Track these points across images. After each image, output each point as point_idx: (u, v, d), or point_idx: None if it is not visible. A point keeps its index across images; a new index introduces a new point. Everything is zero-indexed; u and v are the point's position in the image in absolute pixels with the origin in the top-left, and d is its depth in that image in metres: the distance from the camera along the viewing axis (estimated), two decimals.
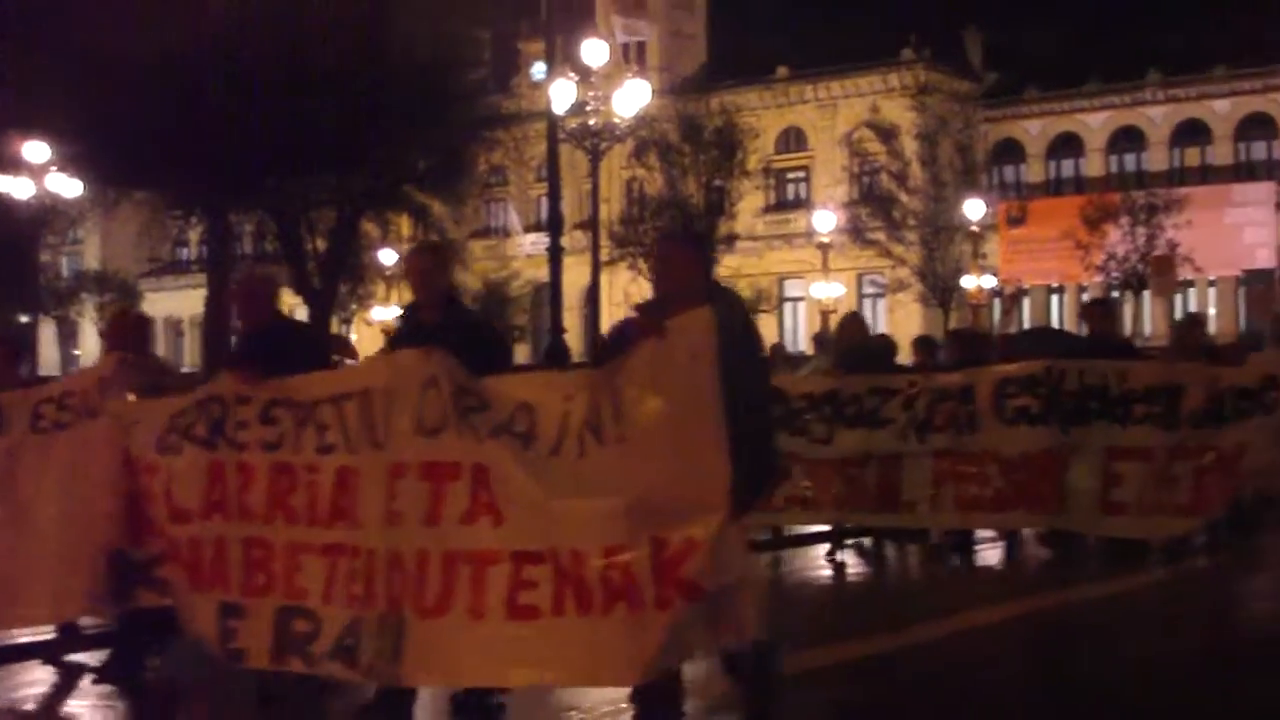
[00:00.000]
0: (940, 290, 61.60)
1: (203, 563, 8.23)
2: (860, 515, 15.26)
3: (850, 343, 16.66)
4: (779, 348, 27.69)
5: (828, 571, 15.95)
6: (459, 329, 8.14)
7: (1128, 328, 59.82)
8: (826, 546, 16.62)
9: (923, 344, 18.51)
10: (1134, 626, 12.69)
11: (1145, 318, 63.33)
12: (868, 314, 70.77)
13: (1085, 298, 63.55)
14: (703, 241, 7.06)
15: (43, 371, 75.94)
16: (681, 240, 7.71)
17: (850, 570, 16.07)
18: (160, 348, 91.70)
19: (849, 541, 16.59)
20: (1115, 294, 62.59)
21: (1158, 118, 70.92)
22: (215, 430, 8.28)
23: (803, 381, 15.64)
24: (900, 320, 62.25)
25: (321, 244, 30.30)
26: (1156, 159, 71.01)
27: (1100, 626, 12.59)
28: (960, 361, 16.22)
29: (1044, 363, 14.36)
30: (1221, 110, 69.70)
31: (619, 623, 6.80)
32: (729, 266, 61.87)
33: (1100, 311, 17.30)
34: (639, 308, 8.00)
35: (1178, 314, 65.78)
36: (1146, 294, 61.17)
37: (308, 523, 7.82)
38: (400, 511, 7.35)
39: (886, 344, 17.74)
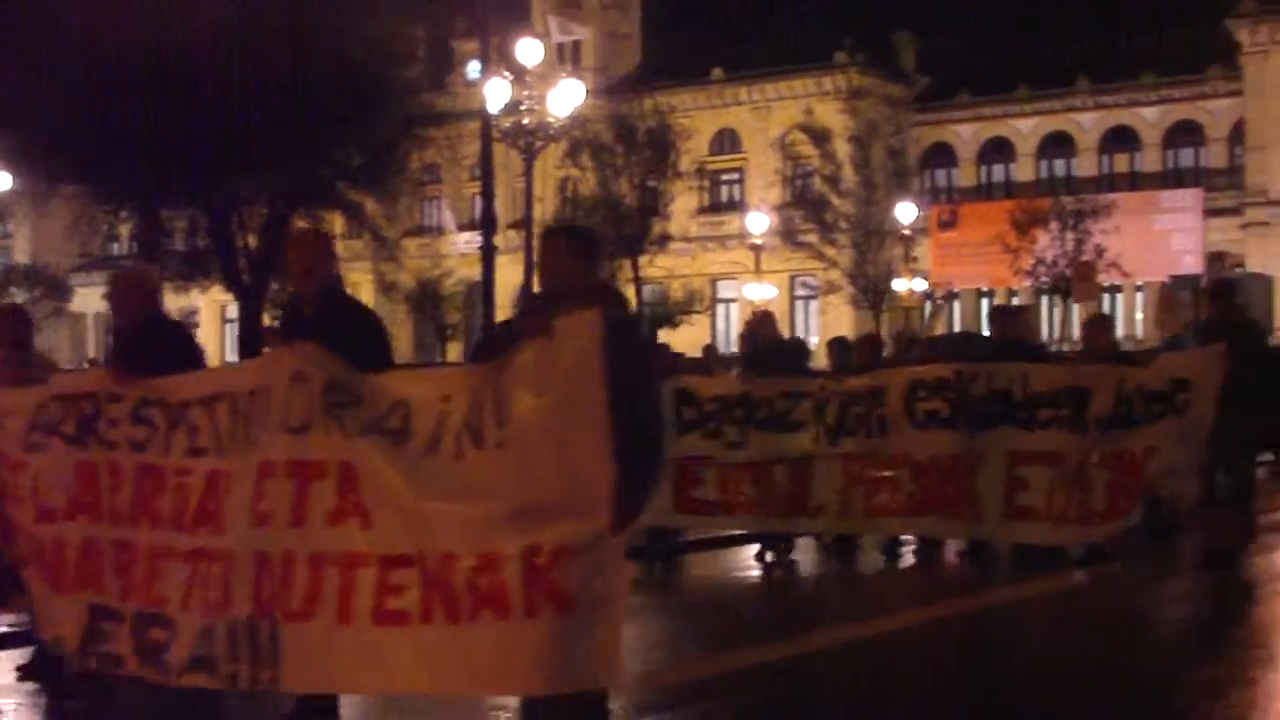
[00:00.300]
0: (872, 293, 61.97)
1: (68, 564, 7.88)
2: (770, 520, 15.11)
3: (762, 343, 16.62)
4: (711, 349, 27.80)
5: (756, 572, 15.85)
6: (338, 320, 7.92)
7: (1055, 333, 60.39)
8: (757, 547, 16.53)
9: (836, 346, 18.38)
10: (1046, 632, 12.61)
11: (1074, 323, 63.86)
12: (799, 316, 71.25)
13: (1015, 301, 64.14)
14: (592, 237, 6.78)
15: None
16: (570, 237, 7.33)
17: (777, 572, 15.97)
18: (90, 343, 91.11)
19: (780, 543, 16.41)
20: (1044, 298, 63.22)
21: (1087, 124, 71.61)
22: (86, 428, 7.94)
23: (715, 384, 15.57)
24: (832, 322, 62.58)
25: (254, 240, 30.19)
26: (1086, 165, 71.73)
27: (1012, 632, 12.56)
28: (870, 365, 16.18)
29: (953, 366, 14.38)
30: (1150, 117, 70.45)
31: (486, 631, 6.49)
32: (662, 267, 62.06)
33: (1006, 317, 17.47)
34: (524, 307, 7.83)
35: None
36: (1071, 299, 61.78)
37: (173, 527, 7.46)
38: (267, 512, 7.01)
39: (798, 345, 17.92)
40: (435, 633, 6.58)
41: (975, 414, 13.91)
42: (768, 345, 16.60)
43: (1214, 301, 15.40)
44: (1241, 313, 16.49)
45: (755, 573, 15.91)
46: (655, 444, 6.86)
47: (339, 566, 6.81)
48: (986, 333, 22.12)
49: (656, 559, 16.09)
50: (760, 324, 17.50)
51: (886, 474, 14.22)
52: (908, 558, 16.57)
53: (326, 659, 6.85)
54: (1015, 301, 65.21)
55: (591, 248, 7.41)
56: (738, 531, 16.67)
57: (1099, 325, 17.08)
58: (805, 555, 16.74)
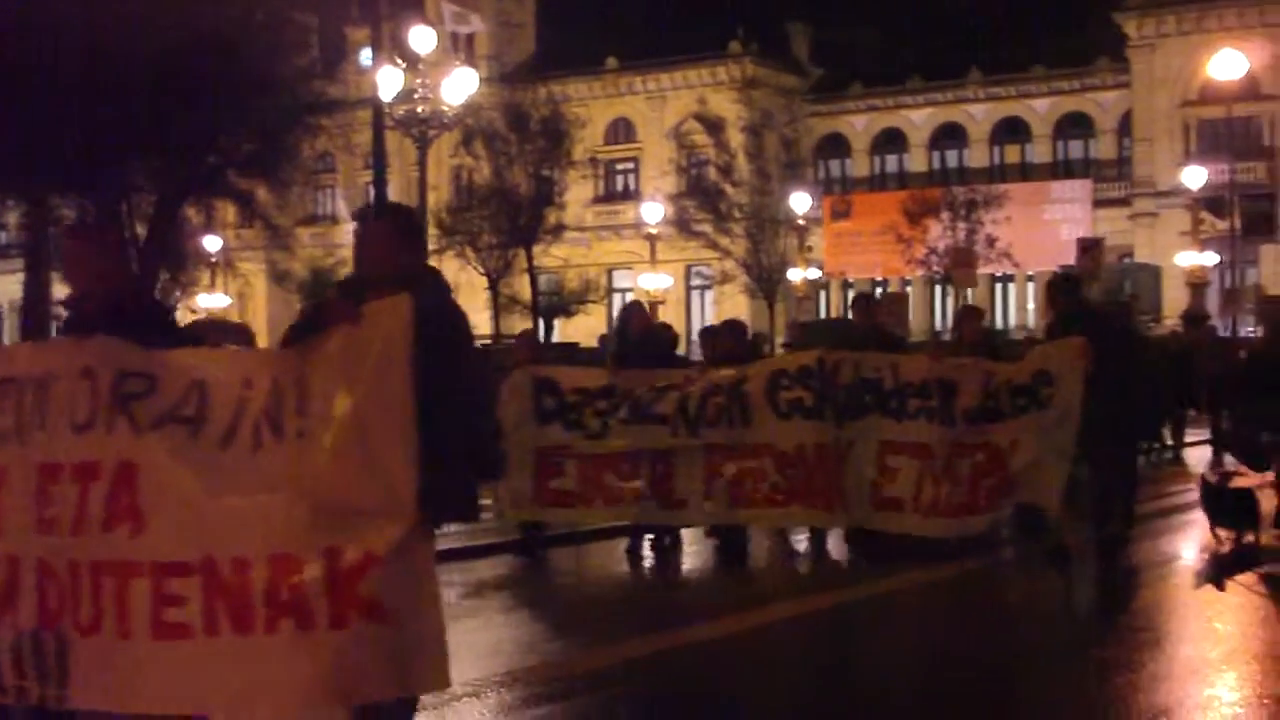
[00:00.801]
0: (766, 282, 62.19)
1: None
2: (633, 513, 14.89)
3: (632, 335, 16.39)
4: (607, 339, 27.83)
5: (624, 567, 15.42)
6: (128, 317, 6.90)
7: (950, 322, 60.90)
8: (643, 539, 15.96)
9: (705, 335, 17.98)
10: (925, 621, 12.35)
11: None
12: (695, 305, 71.41)
13: (908, 291, 64.70)
14: (411, 219, 6.34)
15: None
16: (386, 218, 7.01)
17: (647, 565, 15.56)
18: None
19: (649, 536, 15.92)
20: (937, 287, 63.76)
21: (979, 115, 72.36)
22: None
23: (578, 375, 15.36)
24: (728, 312, 62.28)
25: (143, 230, 29.86)
26: (977, 155, 72.51)
27: (891, 622, 12.41)
28: (735, 351, 16.01)
29: (816, 354, 14.22)
30: (1040, 109, 71.33)
31: (286, 644, 5.86)
32: (557, 256, 62.02)
33: (862, 305, 17.46)
34: (335, 289, 7.44)
35: (997, 309, 67.20)
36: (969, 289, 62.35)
37: None
38: (53, 518, 6.28)
39: (670, 334, 17.47)
40: (225, 647, 5.93)
41: (844, 402, 13.84)
42: (638, 336, 16.29)
43: (1061, 296, 15.14)
44: (1088, 304, 16.57)
45: (627, 567, 15.43)
46: (477, 440, 6.52)
47: (115, 577, 6.16)
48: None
49: (527, 552, 15.75)
50: (630, 315, 17.20)
51: (750, 464, 14.07)
52: (782, 549, 16.24)
53: (113, 676, 6.18)
54: (908, 291, 65.78)
55: (411, 229, 7.08)
56: (618, 523, 15.97)
57: (969, 315, 16.97)
58: (686, 546, 16.25)
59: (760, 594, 13.66)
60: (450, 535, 15.15)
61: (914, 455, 13.62)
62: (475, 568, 14.90)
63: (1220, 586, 13.32)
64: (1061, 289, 15.38)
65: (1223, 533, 14.72)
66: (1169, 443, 26.26)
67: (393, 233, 6.80)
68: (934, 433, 13.55)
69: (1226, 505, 14.64)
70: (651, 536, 15.93)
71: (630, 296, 70.85)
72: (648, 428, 14.37)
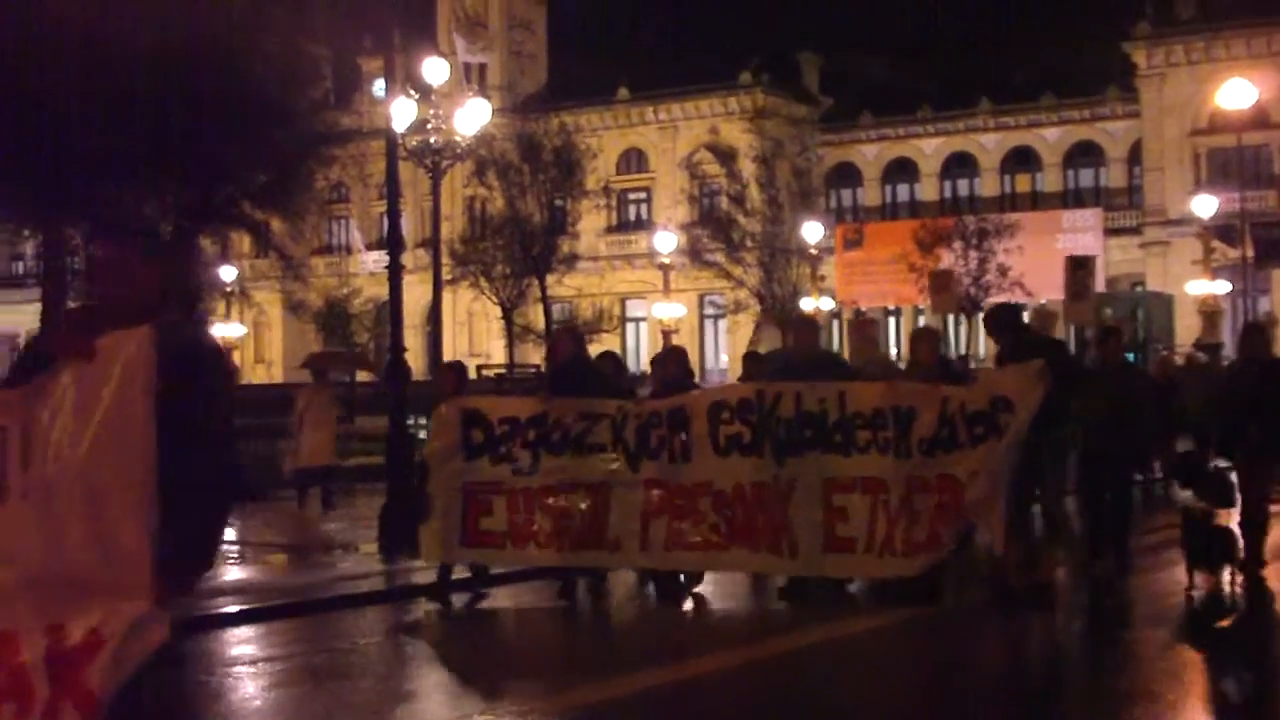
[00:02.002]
0: (779, 311, 62.27)
1: None
2: (564, 555, 13.80)
3: (560, 361, 15.30)
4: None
5: (558, 610, 14.25)
6: None
7: (963, 349, 60.92)
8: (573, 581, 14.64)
9: (654, 364, 16.92)
10: (857, 675, 11.23)
11: (980, 340, 64.60)
12: (709, 335, 71.48)
13: (921, 321, 64.71)
14: (160, 243, 5.86)
15: None
16: (128, 239, 6.03)
17: (581, 610, 14.34)
18: None
19: (590, 577, 14.69)
20: (949, 316, 63.74)
21: (989, 144, 72.50)
22: None
23: (506, 405, 14.66)
24: (740, 341, 62.84)
25: None
26: (988, 185, 72.60)
27: (824, 674, 11.15)
28: (679, 382, 14.98)
29: (756, 386, 13.62)
30: (1051, 138, 71.43)
31: None
32: (571, 286, 62.19)
33: (803, 327, 16.58)
34: (65, 320, 6.59)
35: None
36: (980, 316, 62.39)
37: None
38: None
39: (613, 363, 16.65)
40: None
41: (783, 438, 13.10)
42: (561, 363, 15.24)
43: (1004, 328, 14.12)
44: (1034, 333, 15.80)
45: (558, 610, 14.26)
46: (218, 502, 5.63)
47: None
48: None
49: (450, 597, 14.42)
50: (556, 340, 16.40)
51: (687, 504, 13.32)
52: (723, 593, 14.87)
53: None
54: (921, 321, 65.80)
55: (161, 254, 6.42)
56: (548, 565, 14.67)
57: (924, 338, 15.76)
58: (619, 586, 15.12)
59: (699, 640, 12.75)
60: (368, 577, 15.00)
61: (865, 490, 12.85)
62: (387, 614, 14.13)
63: (1198, 633, 12.48)
64: (1004, 320, 14.44)
65: (1199, 575, 13.41)
66: (1158, 475, 25.00)
67: (138, 257, 5.81)
68: (887, 465, 12.81)
69: (1205, 543, 13.43)
70: (585, 578, 14.68)
71: (644, 326, 71.29)
72: (583, 458, 13.62)
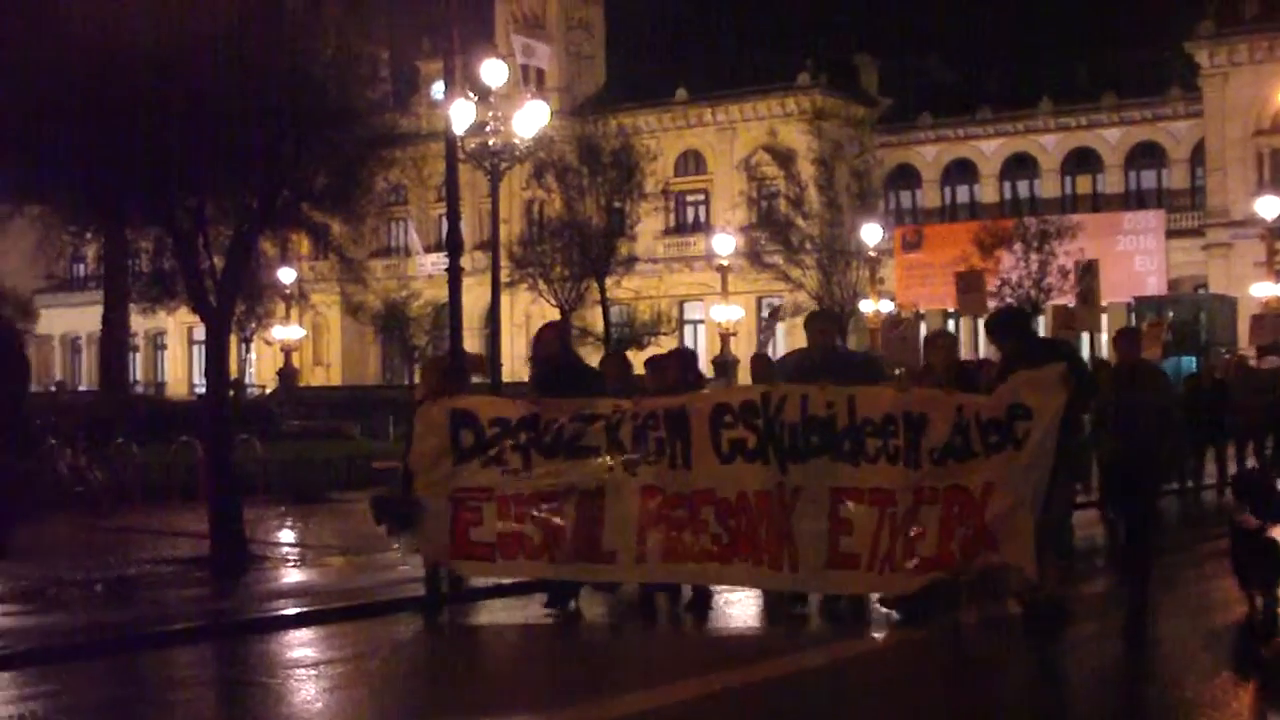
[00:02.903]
0: (838, 314, 61.96)
1: None
2: (555, 567, 13.16)
3: (545, 360, 14.71)
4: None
5: (547, 625, 13.48)
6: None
7: None
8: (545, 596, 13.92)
9: (650, 366, 15.55)
10: (853, 701, 10.58)
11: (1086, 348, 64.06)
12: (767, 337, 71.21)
13: (978, 323, 64.25)
14: None
15: None
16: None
17: (570, 625, 13.47)
18: (57, 365, 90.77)
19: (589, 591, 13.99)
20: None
21: (1049, 145, 72.02)
22: None
23: (497, 405, 13.87)
24: (799, 344, 62.53)
25: (219, 261, 30.16)
26: (1049, 186, 72.12)
27: (818, 700, 10.49)
28: (676, 385, 14.03)
29: (761, 387, 12.94)
30: (1112, 139, 70.89)
31: None
32: (629, 289, 62.11)
33: (818, 324, 14.76)
34: None
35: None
36: (1041, 319, 61.97)
37: None
38: None
39: (620, 362, 15.81)
40: None
41: (788, 444, 12.39)
42: (541, 360, 14.69)
43: (1008, 333, 13.22)
44: (1040, 337, 14.99)
45: (544, 625, 13.48)
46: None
47: None
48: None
49: (434, 609, 13.82)
50: (545, 338, 15.24)
51: (687, 513, 12.64)
52: (718, 608, 13.94)
53: None
54: (979, 324, 65.29)
55: None
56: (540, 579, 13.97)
57: (938, 342, 14.63)
58: (597, 605, 14.18)
59: (679, 664, 11.76)
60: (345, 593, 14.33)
61: (873, 503, 12.10)
62: (367, 627, 13.48)
63: (1257, 662, 11.33)
64: (1007, 324, 13.60)
65: (1257, 595, 12.15)
66: (1189, 483, 24.45)
67: None
68: (896, 476, 12.07)
69: (1255, 559, 12.14)
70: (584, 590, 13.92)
71: (702, 329, 71.18)
72: (578, 462, 13.00)
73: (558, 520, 13.05)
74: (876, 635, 12.72)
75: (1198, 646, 12.09)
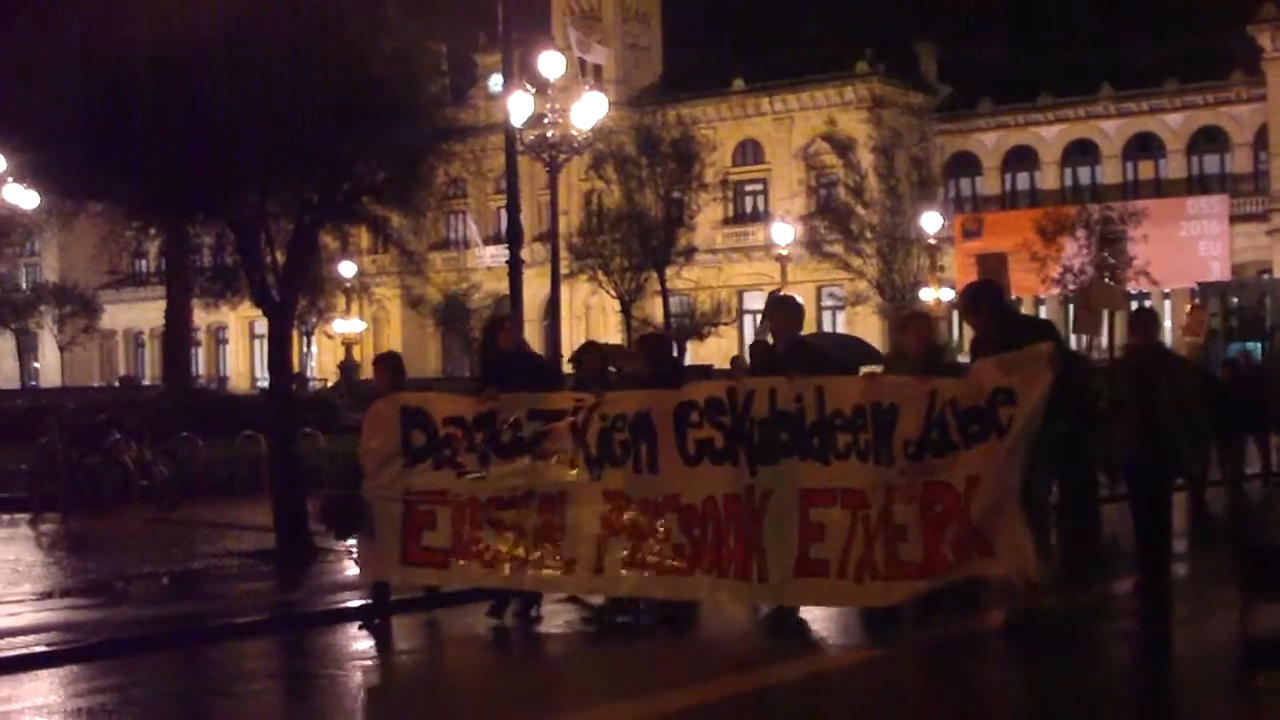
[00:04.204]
0: (898, 303, 61.74)
1: None
2: (512, 576, 12.24)
3: (496, 352, 13.63)
4: (739, 360, 27.75)
5: (485, 637, 12.63)
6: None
7: (1084, 342, 60.10)
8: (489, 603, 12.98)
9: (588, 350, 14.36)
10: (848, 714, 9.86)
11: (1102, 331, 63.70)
12: (827, 327, 71.10)
13: (1042, 312, 63.90)
14: None
15: (1, 384, 75.81)
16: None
17: (513, 638, 12.67)
18: (121, 360, 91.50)
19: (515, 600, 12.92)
20: (1071, 306, 62.88)
21: (1111, 131, 71.48)
22: None
23: (451, 402, 12.91)
24: (860, 333, 62.40)
25: (281, 256, 30.32)
26: (1110, 172, 71.61)
27: (806, 715, 9.73)
28: (657, 379, 12.63)
29: (727, 383, 11.90)
30: (1173, 124, 70.32)
31: None
32: (689, 279, 62.04)
33: (784, 310, 13.01)
34: None
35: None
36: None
37: None
38: None
39: (596, 351, 14.46)
40: None
41: (756, 443, 11.39)
42: (509, 352, 13.46)
43: (980, 308, 11.96)
44: (1018, 314, 13.37)
45: (493, 636, 12.63)
46: None
47: None
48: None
49: (374, 619, 12.84)
50: (495, 327, 14.11)
51: (650, 521, 11.74)
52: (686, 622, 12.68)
53: None
54: (1042, 312, 64.89)
55: None
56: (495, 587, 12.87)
57: (913, 323, 12.92)
58: (557, 607, 13.25)
59: (646, 675, 10.86)
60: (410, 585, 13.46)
61: (845, 505, 11.06)
62: (434, 620, 13.12)
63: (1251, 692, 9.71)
64: (980, 298, 12.23)
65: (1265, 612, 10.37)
66: (1227, 474, 23.49)
67: None
68: (868, 474, 11.02)
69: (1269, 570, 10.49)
70: (516, 600, 12.92)
71: (759, 319, 70.97)
72: (539, 464, 12.13)
73: (517, 526, 12.16)
74: (852, 648, 11.62)
75: (1204, 669, 10.81)
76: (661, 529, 11.70)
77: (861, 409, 11.07)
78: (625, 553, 11.83)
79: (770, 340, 13.56)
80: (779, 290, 62.92)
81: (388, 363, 13.83)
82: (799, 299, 13.91)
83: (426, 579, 12.93)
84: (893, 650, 11.21)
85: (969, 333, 13.22)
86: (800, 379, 11.38)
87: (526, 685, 11.11)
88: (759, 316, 68.13)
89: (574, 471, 12.04)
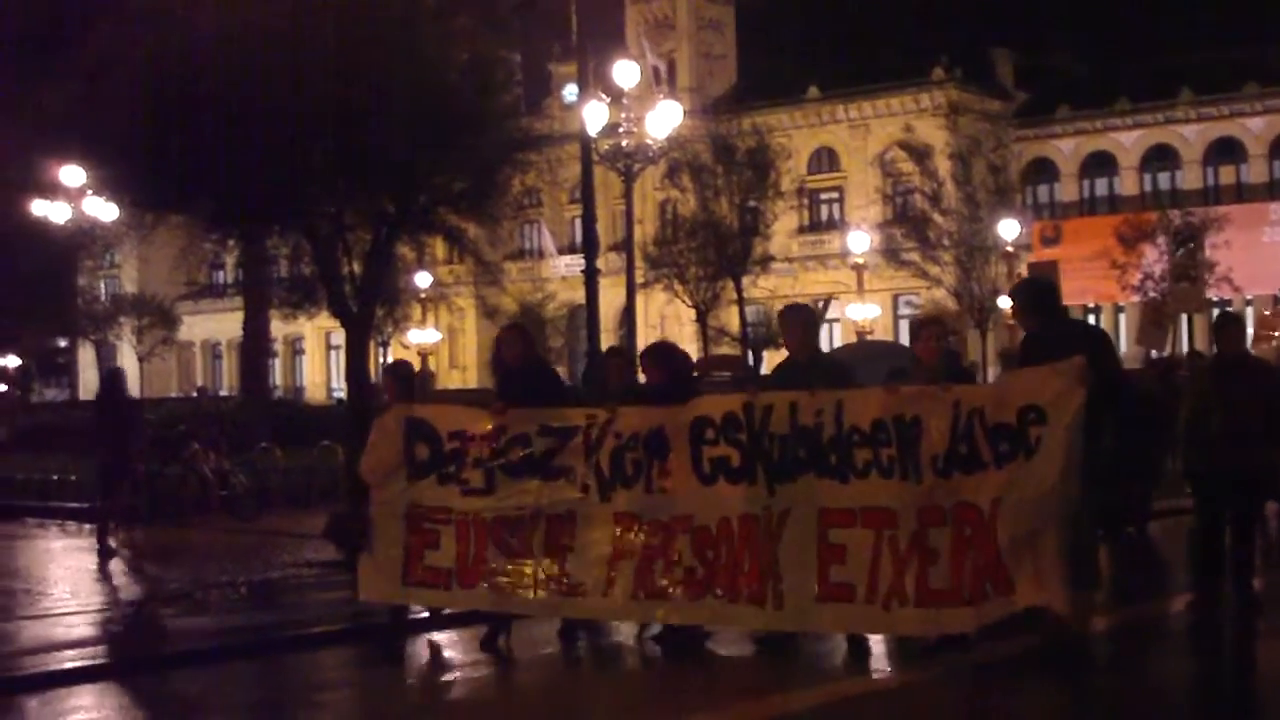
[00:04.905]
0: (977, 311, 61.35)
1: None
2: (518, 600, 11.71)
3: (509, 365, 12.83)
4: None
5: (483, 660, 12.01)
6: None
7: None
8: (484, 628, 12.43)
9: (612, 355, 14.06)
10: None
11: (1183, 337, 63.09)
12: (904, 335, 70.77)
13: (1121, 320, 63.34)
14: None
15: (82, 395, 76.56)
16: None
17: (512, 662, 12.10)
18: (198, 371, 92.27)
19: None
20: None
21: (1191, 136, 70.72)
22: None
23: (459, 416, 12.30)
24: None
25: (358, 267, 30.44)
26: (1190, 177, 70.82)
27: None
28: (667, 389, 12.04)
29: (743, 398, 11.18)
30: (1255, 128, 69.49)
31: None
32: (765, 288, 61.91)
33: (800, 316, 12.29)
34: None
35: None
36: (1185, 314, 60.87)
37: None
38: None
39: (617, 358, 14.12)
40: None
41: (775, 461, 10.85)
42: (517, 367, 12.68)
43: (1036, 312, 11.12)
44: (1070, 319, 12.33)
45: (480, 660, 12.03)
46: None
47: None
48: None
49: (377, 640, 12.58)
50: (507, 340, 13.17)
51: (661, 542, 11.22)
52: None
53: None
54: (1122, 320, 64.29)
55: None
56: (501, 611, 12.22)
57: (927, 328, 12.31)
58: (531, 634, 12.49)
59: (638, 707, 10.48)
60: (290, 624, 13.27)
61: (869, 524, 10.47)
62: (300, 663, 12.49)
63: None
64: (1034, 295, 11.41)
65: None
66: None
67: None
68: (893, 492, 10.40)
69: None
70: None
71: (838, 328, 70.63)
72: (548, 484, 11.58)
73: (523, 548, 11.64)
74: (877, 673, 11.04)
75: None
76: (674, 552, 11.20)
77: (881, 423, 10.52)
78: (633, 576, 11.28)
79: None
80: (829, 299, 62.81)
81: (395, 373, 13.45)
82: (812, 306, 13.26)
83: (428, 601, 12.43)
84: (926, 674, 10.67)
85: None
86: (822, 393, 10.88)
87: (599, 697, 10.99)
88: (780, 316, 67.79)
89: (583, 493, 11.53)
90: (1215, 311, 34.64)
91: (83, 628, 13.70)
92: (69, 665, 11.74)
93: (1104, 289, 63.95)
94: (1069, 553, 9.94)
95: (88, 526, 24.49)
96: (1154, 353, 30.54)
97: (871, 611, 10.42)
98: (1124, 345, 54.71)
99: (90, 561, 19.78)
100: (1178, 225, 59.84)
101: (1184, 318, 37.76)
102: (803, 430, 10.73)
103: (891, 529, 10.34)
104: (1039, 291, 11.46)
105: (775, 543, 10.75)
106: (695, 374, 14.84)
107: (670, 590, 11.17)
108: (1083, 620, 10.49)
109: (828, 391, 10.87)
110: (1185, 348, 35.54)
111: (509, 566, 11.65)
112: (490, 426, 11.84)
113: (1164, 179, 72.04)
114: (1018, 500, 9.94)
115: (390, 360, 22.83)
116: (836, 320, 71.68)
